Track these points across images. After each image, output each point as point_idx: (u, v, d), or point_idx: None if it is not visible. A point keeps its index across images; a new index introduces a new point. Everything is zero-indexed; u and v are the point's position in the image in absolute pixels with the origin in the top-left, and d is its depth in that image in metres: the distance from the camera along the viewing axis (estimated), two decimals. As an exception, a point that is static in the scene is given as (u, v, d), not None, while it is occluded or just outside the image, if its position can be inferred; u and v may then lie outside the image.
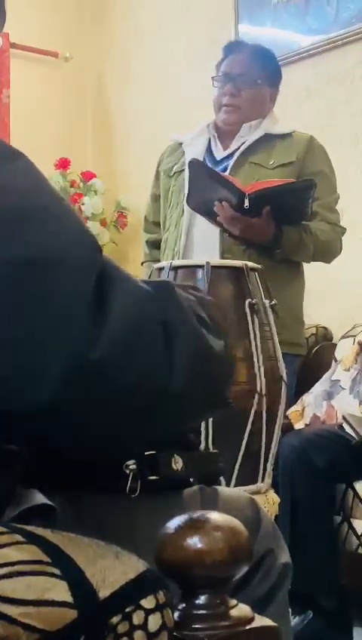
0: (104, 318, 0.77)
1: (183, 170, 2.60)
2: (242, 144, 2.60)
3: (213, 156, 2.63)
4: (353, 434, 2.33)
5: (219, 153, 2.63)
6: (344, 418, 2.40)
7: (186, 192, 2.53)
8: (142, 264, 2.91)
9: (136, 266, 4.27)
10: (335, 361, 3.03)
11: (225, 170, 2.55)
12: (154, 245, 2.78)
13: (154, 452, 1.06)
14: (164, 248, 2.67)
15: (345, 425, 2.37)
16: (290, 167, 2.56)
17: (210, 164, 2.58)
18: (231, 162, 2.56)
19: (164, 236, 2.68)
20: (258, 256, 2.40)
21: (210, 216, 2.46)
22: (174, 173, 2.64)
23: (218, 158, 2.62)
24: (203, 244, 2.53)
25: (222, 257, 2.45)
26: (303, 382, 3.06)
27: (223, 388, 0.92)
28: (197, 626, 0.76)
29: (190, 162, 2.49)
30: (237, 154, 2.57)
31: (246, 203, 2.32)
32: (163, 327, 0.81)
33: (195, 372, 0.83)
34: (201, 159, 2.60)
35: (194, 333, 0.85)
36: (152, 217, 2.79)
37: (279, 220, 2.42)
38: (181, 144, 2.69)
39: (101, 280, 0.79)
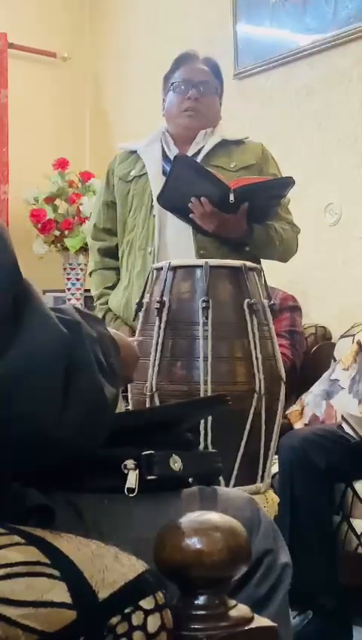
0: (7, 348, 0.77)
1: (144, 174, 2.64)
2: (200, 149, 2.64)
3: (170, 162, 2.65)
4: (352, 434, 2.32)
5: None
6: (343, 418, 2.40)
7: (153, 190, 2.56)
8: (90, 274, 2.88)
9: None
10: (334, 360, 3.03)
11: None
12: (106, 253, 2.79)
13: (152, 452, 1.06)
14: (127, 250, 2.68)
15: (344, 425, 2.37)
16: (251, 170, 2.62)
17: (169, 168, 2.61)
18: None
19: (125, 239, 2.69)
20: (229, 253, 2.42)
21: (181, 214, 2.48)
22: (133, 177, 2.67)
23: None
24: (176, 242, 2.55)
25: (198, 254, 2.48)
26: (302, 381, 3.06)
27: (103, 434, 0.91)
28: (196, 626, 0.76)
29: (176, 156, 2.51)
30: (200, 157, 2.61)
31: (232, 197, 2.36)
32: (65, 373, 0.81)
33: (84, 424, 0.84)
34: (160, 166, 2.64)
35: (93, 385, 0.85)
36: (103, 224, 2.79)
37: (250, 218, 2.47)
38: (133, 152, 2.73)
39: (17, 305, 0.80)
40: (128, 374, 1.17)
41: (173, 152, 2.66)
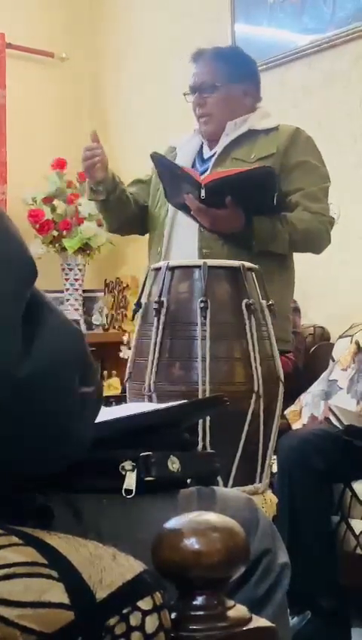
0: (30, 346, 0.77)
1: None
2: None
3: (202, 156, 2.64)
4: (337, 424, 2.34)
5: (207, 153, 2.65)
6: (330, 409, 2.41)
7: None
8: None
9: (134, 267, 4.27)
10: (333, 360, 3.03)
11: (207, 168, 2.58)
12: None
13: (150, 452, 1.06)
14: (149, 245, 2.72)
15: (331, 417, 2.38)
16: (270, 160, 2.52)
17: (198, 164, 2.60)
18: (213, 158, 2.57)
19: (150, 234, 2.72)
20: (236, 250, 2.39)
21: (186, 211, 2.46)
22: None
23: (205, 157, 2.64)
24: (182, 241, 2.54)
25: (200, 253, 2.46)
26: (301, 382, 3.06)
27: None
28: (194, 627, 0.76)
29: (151, 156, 2.48)
30: (218, 150, 2.58)
31: (203, 193, 2.30)
32: (79, 372, 0.82)
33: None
34: (191, 160, 2.63)
35: (97, 379, 0.87)
36: (135, 188, 2.78)
37: (248, 211, 2.39)
38: (175, 148, 2.71)
39: (35, 302, 0.80)
40: None
41: (205, 149, 2.66)
